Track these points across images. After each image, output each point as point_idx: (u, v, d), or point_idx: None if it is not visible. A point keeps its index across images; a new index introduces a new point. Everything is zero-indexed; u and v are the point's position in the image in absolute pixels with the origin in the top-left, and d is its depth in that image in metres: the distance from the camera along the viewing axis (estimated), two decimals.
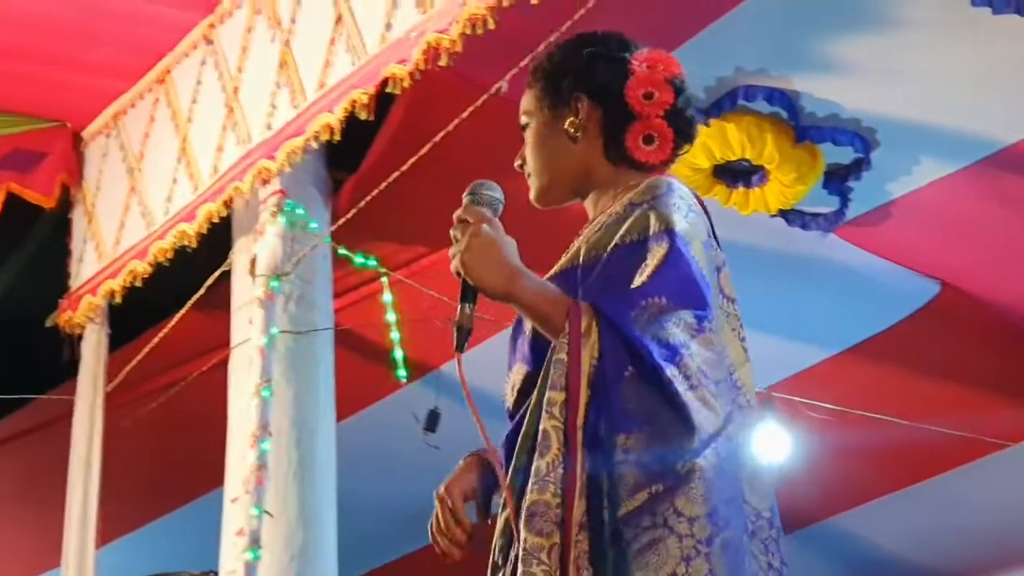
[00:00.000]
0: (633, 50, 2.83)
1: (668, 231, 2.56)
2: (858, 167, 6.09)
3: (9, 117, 6.55)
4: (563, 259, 2.73)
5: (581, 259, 2.64)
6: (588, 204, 2.83)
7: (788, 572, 2.55)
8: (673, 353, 2.43)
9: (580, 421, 2.40)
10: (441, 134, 5.07)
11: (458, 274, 2.52)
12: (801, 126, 5.88)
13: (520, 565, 2.35)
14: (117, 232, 6.37)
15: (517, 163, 2.85)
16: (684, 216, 2.61)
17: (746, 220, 6.35)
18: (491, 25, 4.46)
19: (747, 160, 5.97)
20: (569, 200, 2.85)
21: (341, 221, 5.74)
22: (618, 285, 2.52)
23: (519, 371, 2.67)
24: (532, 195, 2.84)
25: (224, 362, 5.89)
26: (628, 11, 5.09)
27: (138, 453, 7.21)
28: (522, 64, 4.75)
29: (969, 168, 6.08)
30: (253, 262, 5.63)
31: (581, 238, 2.74)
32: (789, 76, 5.73)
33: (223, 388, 5.78)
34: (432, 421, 6.24)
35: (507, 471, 2.53)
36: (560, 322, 2.48)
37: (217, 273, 5.92)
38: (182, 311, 6.27)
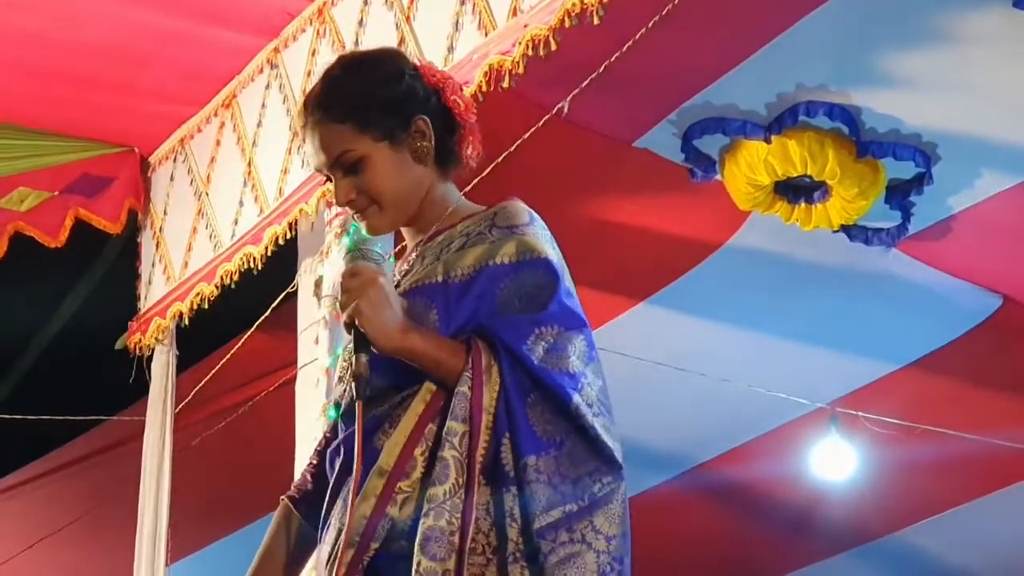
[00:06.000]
0: (409, 60, 2.81)
1: (545, 260, 2.62)
2: (920, 182, 6.09)
3: (77, 143, 6.61)
4: (412, 275, 2.71)
5: (442, 276, 2.63)
6: (410, 227, 2.81)
7: None
8: (575, 382, 2.51)
9: (480, 454, 2.46)
10: (503, 155, 5.11)
11: (350, 325, 2.53)
12: (862, 141, 5.89)
13: None
14: (185, 255, 6.43)
15: (348, 197, 2.73)
16: (553, 248, 2.67)
17: (808, 236, 6.37)
18: (553, 46, 4.48)
19: (809, 176, 5.98)
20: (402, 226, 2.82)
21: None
22: (504, 310, 2.57)
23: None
24: (376, 226, 2.75)
25: (290, 382, 5.94)
26: (688, 31, 5.13)
27: (207, 472, 7.28)
28: (584, 84, 4.80)
29: None
30: (318, 283, 5.68)
31: (431, 255, 2.71)
32: (849, 91, 5.74)
33: (290, 407, 5.82)
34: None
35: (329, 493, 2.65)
36: (457, 363, 2.51)
37: (283, 295, 5.97)
38: (249, 332, 6.33)
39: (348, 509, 2.48)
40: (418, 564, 2.40)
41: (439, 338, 2.56)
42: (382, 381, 2.57)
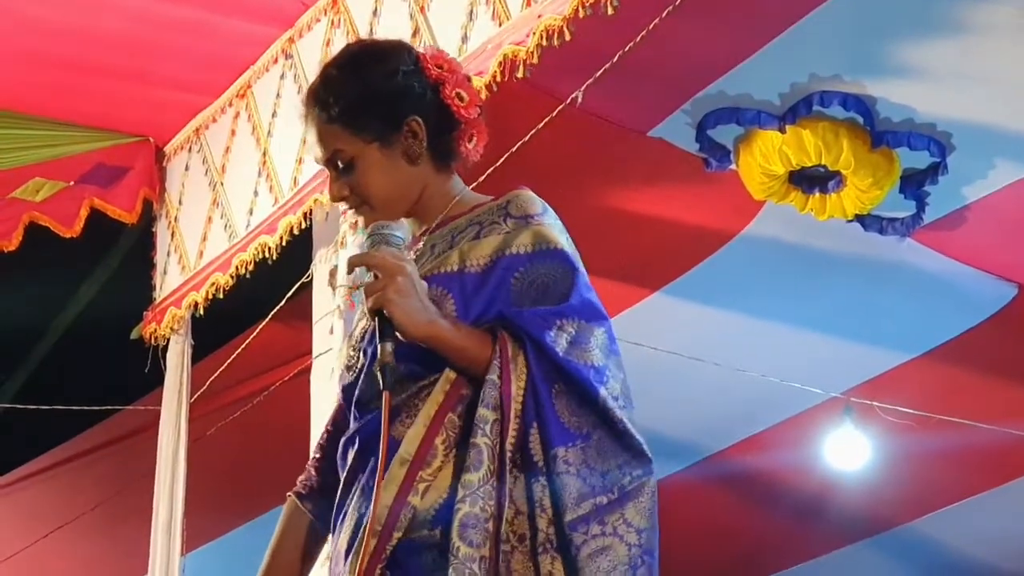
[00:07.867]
0: (412, 52, 2.78)
1: (561, 251, 2.64)
2: (934, 171, 6.08)
3: (92, 133, 6.61)
4: (423, 265, 2.68)
5: (457, 265, 2.64)
6: (412, 218, 2.78)
7: None
8: (600, 375, 2.52)
9: (510, 442, 2.47)
10: (518, 145, 5.11)
11: (377, 313, 2.50)
12: (877, 131, 5.89)
13: (451, 572, 2.41)
14: (200, 245, 6.45)
15: (341, 195, 2.76)
16: (567, 238, 2.69)
17: (822, 226, 6.36)
18: (567, 36, 4.48)
19: (823, 166, 5.98)
20: None
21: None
22: (520, 299, 2.58)
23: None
24: (369, 223, 2.72)
25: (305, 372, 5.95)
26: (702, 20, 5.13)
27: (222, 461, 7.29)
28: (598, 74, 4.80)
29: None
30: (333, 273, 5.68)
31: (441, 244, 2.71)
32: (864, 81, 5.74)
33: (305, 397, 5.84)
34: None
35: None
36: (483, 352, 2.52)
37: (298, 284, 5.98)
38: (264, 322, 6.34)
39: (371, 498, 2.48)
40: (456, 550, 2.41)
41: (464, 326, 2.55)
42: (400, 370, 2.56)
